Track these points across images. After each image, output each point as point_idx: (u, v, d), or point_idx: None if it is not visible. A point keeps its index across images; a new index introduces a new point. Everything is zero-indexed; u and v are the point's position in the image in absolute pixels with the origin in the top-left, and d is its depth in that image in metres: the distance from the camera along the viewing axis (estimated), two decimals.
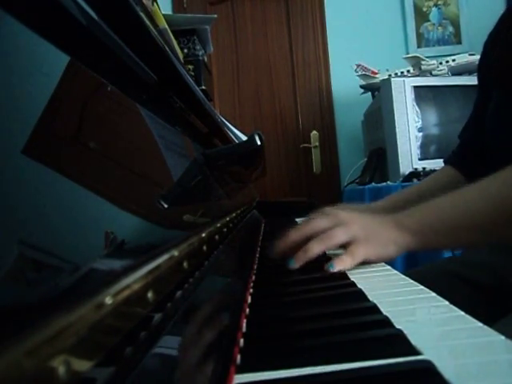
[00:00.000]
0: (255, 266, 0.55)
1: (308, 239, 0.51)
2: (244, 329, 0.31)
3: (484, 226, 0.52)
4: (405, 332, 0.27)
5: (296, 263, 0.50)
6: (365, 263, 0.51)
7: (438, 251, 1.48)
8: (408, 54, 2.47)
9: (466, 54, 2.15)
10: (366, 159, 2.29)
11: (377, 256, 0.51)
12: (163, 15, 1.24)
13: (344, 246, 0.51)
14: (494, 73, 0.73)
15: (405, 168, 1.88)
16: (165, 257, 0.25)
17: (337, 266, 0.48)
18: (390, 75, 2.18)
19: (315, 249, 0.50)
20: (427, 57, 2.20)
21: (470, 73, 2.07)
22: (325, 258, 0.53)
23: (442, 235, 0.54)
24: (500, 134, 0.71)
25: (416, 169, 1.86)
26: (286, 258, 0.54)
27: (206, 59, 1.79)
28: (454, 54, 2.21)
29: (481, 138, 0.77)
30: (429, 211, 0.55)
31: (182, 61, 1.47)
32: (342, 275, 0.47)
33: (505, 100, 0.70)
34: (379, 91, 2.11)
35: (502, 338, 0.26)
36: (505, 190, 0.51)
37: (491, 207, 0.51)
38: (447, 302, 0.35)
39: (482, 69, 0.82)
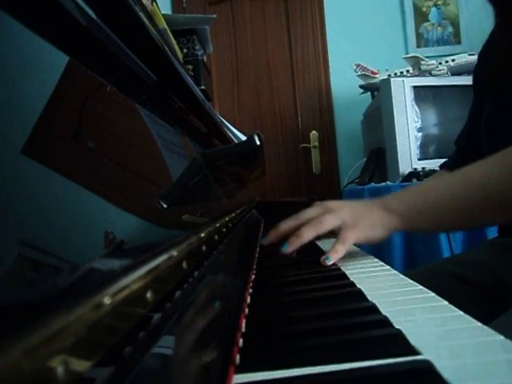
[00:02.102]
0: (254, 266, 0.56)
1: (299, 227, 0.54)
2: (243, 329, 0.31)
3: (466, 210, 0.54)
4: (404, 332, 0.27)
5: (289, 248, 0.53)
6: (363, 262, 0.52)
7: (438, 252, 1.48)
8: (407, 54, 2.47)
9: (466, 54, 2.15)
10: (365, 159, 2.29)
11: (366, 238, 0.54)
12: (162, 15, 1.24)
13: (335, 234, 0.54)
14: (487, 82, 0.75)
15: (404, 168, 1.88)
16: (164, 257, 0.25)
17: (332, 257, 0.51)
18: (389, 75, 2.18)
19: (306, 234, 0.53)
20: (427, 57, 2.20)
21: (469, 73, 2.07)
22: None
23: (427, 217, 0.55)
24: (493, 140, 0.73)
25: (415, 169, 1.86)
26: (284, 258, 0.54)
27: (205, 59, 1.79)
28: (453, 54, 2.21)
29: (476, 145, 0.79)
30: (415, 194, 0.57)
31: (182, 61, 1.47)
32: (342, 275, 0.48)
33: (497, 108, 0.73)
34: (379, 91, 2.11)
35: (502, 337, 0.26)
36: (485, 180, 0.53)
37: (472, 194, 0.53)
38: (446, 302, 0.35)
39: (476, 78, 0.84)
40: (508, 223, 0.77)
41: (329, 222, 0.53)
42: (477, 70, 0.84)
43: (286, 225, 0.56)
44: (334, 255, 0.51)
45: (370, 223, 0.54)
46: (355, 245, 0.74)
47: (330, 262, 0.51)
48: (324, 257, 0.51)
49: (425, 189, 0.58)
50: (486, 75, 0.76)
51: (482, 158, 0.77)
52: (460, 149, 0.90)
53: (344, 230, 0.53)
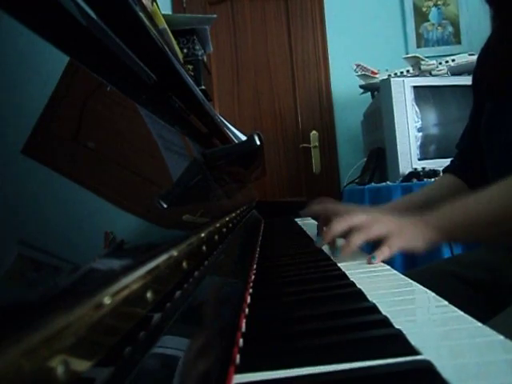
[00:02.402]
0: (254, 266, 0.56)
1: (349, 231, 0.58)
2: (243, 329, 0.31)
3: (502, 224, 0.58)
4: (404, 332, 0.27)
5: (343, 254, 0.57)
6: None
7: (438, 252, 1.48)
8: (407, 54, 2.47)
9: (466, 54, 2.15)
10: (365, 159, 2.29)
11: (408, 248, 0.58)
12: (163, 15, 1.25)
13: (375, 243, 0.58)
14: (486, 84, 0.76)
15: (404, 168, 1.88)
16: (164, 257, 0.25)
17: (378, 257, 0.56)
18: (389, 75, 2.18)
19: (357, 240, 0.57)
20: (427, 57, 2.20)
21: (469, 73, 2.07)
22: (324, 259, 0.53)
23: (464, 231, 0.61)
24: (493, 139, 0.74)
25: (415, 169, 1.86)
26: (284, 258, 0.54)
27: (205, 59, 1.79)
28: (453, 54, 2.21)
29: (477, 147, 0.80)
30: (454, 210, 0.62)
31: (182, 61, 1.47)
32: (342, 275, 0.48)
33: (496, 110, 0.73)
34: (379, 91, 2.11)
35: (501, 337, 0.26)
36: None
37: (507, 208, 0.57)
38: (446, 302, 0.35)
39: (476, 81, 0.85)
40: None
41: (377, 230, 0.57)
42: (476, 73, 0.85)
43: (338, 227, 0.59)
44: (380, 256, 0.56)
45: (414, 235, 0.58)
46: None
47: (376, 262, 0.55)
48: (371, 256, 0.56)
49: (463, 204, 0.62)
50: (485, 78, 0.77)
51: (483, 160, 0.78)
52: (462, 152, 0.90)
53: (391, 238, 0.57)
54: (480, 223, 0.59)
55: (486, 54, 0.79)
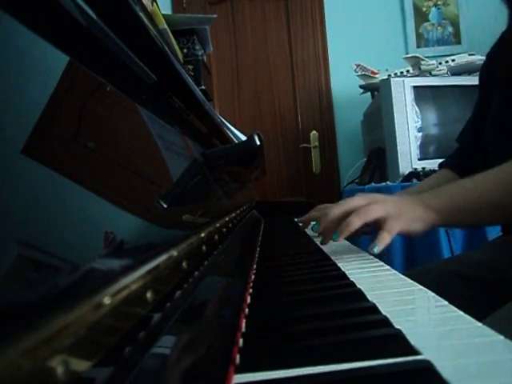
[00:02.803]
0: (254, 266, 0.56)
1: (347, 215, 0.57)
2: (243, 329, 0.31)
3: (503, 206, 0.58)
4: (404, 332, 0.27)
5: (340, 236, 0.56)
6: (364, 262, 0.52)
7: (439, 252, 1.48)
8: (407, 54, 2.47)
9: (466, 54, 2.15)
10: (365, 159, 2.29)
11: (407, 230, 0.57)
12: (163, 15, 1.24)
13: (375, 225, 0.57)
14: (497, 77, 0.76)
15: (404, 168, 1.88)
16: (164, 257, 0.25)
17: (379, 245, 0.54)
18: (389, 75, 2.18)
19: (355, 222, 0.55)
20: (427, 57, 2.20)
21: (469, 73, 2.07)
22: (324, 259, 0.53)
23: (465, 213, 0.60)
24: (500, 136, 0.74)
25: (415, 169, 1.86)
26: (284, 258, 0.54)
27: (205, 59, 1.79)
28: (453, 54, 2.21)
29: (480, 142, 0.80)
30: (453, 191, 0.61)
31: (182, 61, 1.47)
32: (342, 275, 0.47)
33: (506, 104, 0.73)
34: (379, 91, 2.11)
35: (501, 337, 0.26)
36: None
37: (509, 190, 0.57)
38: (446, 302, 0.35)
39: (483, 77, 0.85)
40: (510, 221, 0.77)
41: (375, 212, 0.56)
42: (484, 70, 0.85)
43: (335, 213, 0.58)
44: (381, 243, 0.54)
45: (413, 217, 0.57)
46: (354, 244, 0.74)
47: (378, 251, 0.54)
48: (371, 245, 0.54)
49: (462, 186, 0.61)
50: (495, 74, 0.77)
51: (484, 156, 0.78)
52: (462, 146, 0.90)
53: (389, 221, 0.55)
54: (482, 205, 0.58)
55: (498, 50, 0.79)
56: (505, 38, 0.78)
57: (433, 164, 1.80)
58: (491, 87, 0.79)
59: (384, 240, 0.54)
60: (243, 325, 0.32)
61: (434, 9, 2.73)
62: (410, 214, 0.57)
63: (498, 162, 0.74)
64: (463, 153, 0.88)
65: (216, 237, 0.45)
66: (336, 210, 0.59)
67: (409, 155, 1.90)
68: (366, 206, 0.56)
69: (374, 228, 0.58)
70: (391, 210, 0.56)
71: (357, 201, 0.59)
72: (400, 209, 0.57)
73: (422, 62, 2.14)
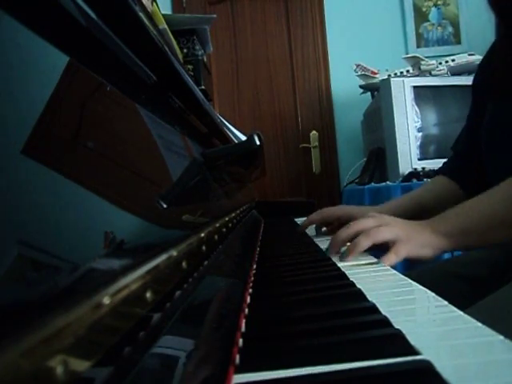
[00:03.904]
0: (254, 267, 0.55)
1: (356, 236, 0.58)
2: (243, 329, 0.31)
3: (509, 224, 0.58)
4: (404, 332, 0.27)
5: (349, 256, 0.56)
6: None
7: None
8: (407, 54, 2.47)
9: (466, 54, 2.15)
10: (365, 159, 2.29)
11: (416, 255, 0.57)
12: (163, 15, 1.25)
13: (381, 246, 0.57)
14: (490, 87, 0.76)
15: (404, 168, 1.88)
16: (164, 257, 0.25)
17: (384, 263, 0.54)
18: (389, 75, 2.18)
19: (363, 242, 0.56)
20: (427, 57, 2.20)
21: (469, 73, 2.07)
22: (324, 259, 0.53)
23: (472, 236, 0.60)
24: (495, 146, 0.74)
25: (415, 169, 1.86)
26: (284, 258, 0.54)
27: (205, 59, 1.79)
28: (453, 54, 2.21)
29: (475, 150, 0.80)
30: (459, 215, 0.61)
31: (182, 61, 1.47)
32: (342, 275, 0.47)
33: (499, 111, 0.74)
34: (379, 91, 2.11)
35: (501, 337, 0.26)
36: None
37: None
38: (446, 302, 0.35)
39: (476, 86, 0.86)
40: None
41: (385, 234, 0.56)
42: (477, 79, 0.85)
43: (345, 234, 0.59)
44: (386, 261, 0.54)
45: (422, 242, 0.58)
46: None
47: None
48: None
49: (468, 208, 0.62)
50: (488, 84, 0.77)
51: (480, 163, 0.78)
52: (458, 154, 0.90)
53: (398, 244, 0.56)
54: (490, 224, 0.59)
55: (490, 58, 0.80)
56: (495, 48, 0.79)
57: (433, 164, 1.80)
58: (484, 97, 0.79)
59: (390, 260, 0.55)
60: (243, 325, 0.32)
61: (433, 9, 2.73)
62: (419, 239, 0.58)
63: (493, 171, 0.75)
64: (459, 161, 0.89)
65: (216, 237, 0.45)
66: (346, 231, 0.59)
67: (409, 155, 1.90)
68: (376, 228, 0.57)
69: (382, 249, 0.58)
70: (401, 234, 0.57)
71: (367, 222, 0.59)
72: (409, 233, 0.57)
73: (422, 62, 2.14)
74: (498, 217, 0.58)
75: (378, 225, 0.58)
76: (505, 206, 0.58)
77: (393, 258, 0.55)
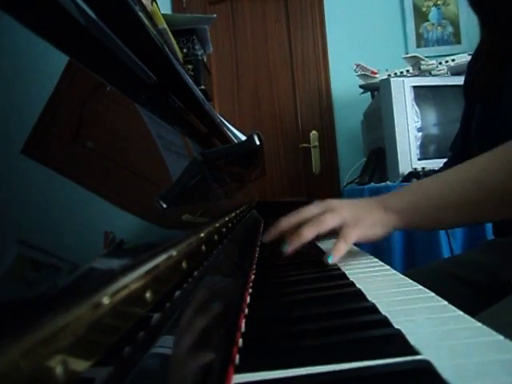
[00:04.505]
0: (254, 266, 0.56)
1: (300, 226, 0.54)
2: (243, 329, 0.31)
3: (464, 207, 0.54)
4: (403, 332, 0.27)
5: (290, 247, 0.53)
6: (362, 261, 0.52)
7: (438, 252, 1.48)
8: (407, 53, 2.47)
9: (466, 54, 2.15)
10: (365, 159, 2.29)
11: (366, 237, 0.54)
12: (162, 15, 1.24)
13: (335, 233, 0.54)
14: (476, 87, 0.77)
15: (404, 168, 1.88)
16: (163, 257, 0.25)
17: (335, 255, 0.51)
18: (389, 75, 2.18)
19: (307, 233, 0.53)
20: (426, 57, 2.20)
21: None
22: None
23: (427, 215, 0.56)
24: (484, 143, 0.75)
25: (415, 169, 1.86)
26: (284, 258, 0.54)
27: (205, 59, 1.79)
28: (453, 54, 2.21)
29: (469, 151, 0.80)
30: (413, 192, 0.58)
31: (182, 61, 1.47)
32: (342, 275, 0.48)
33: (486, 112, 0.74)
34: (379, 91, 2.11)
35: (501, 337, 0.26)
36: (484, 175, 0.53)
37: (470, 189, 0.53)
38: (446, 302, 0.35)
39: (466, 86, 0.86)
40: (501, 223, 0.78)
41: (330, 221, 0.53)
42: (467, 79, 0.86)
43: (286, 222, 0.56)
44: (336, 254, 0.51)
45: (371, 222, 0.54)
46: (355, 244, 0.74)
47: (333, 261, 0.51)
48: (326, 256, 0.51)
49: (423, 187, 0.58)
50: (475, 83, 0.78)
51: None
52: (455, 154, 0.91)
53: (345, 229, 0.53)
54: (446, 205, 0.54)
55: (476, 60, 0.81)
56: (480, 49, 0.79)
57: (433, 164, 1.80)
58: (473, 97, 0.79)
59: (339, 250, 0.51)
60: (243, 325, 0.32)
61: (433, 9, 2.73)
62: (368, 220, 0.54)
63: None
64: (456, 161, 0.89)
65: (216, 237, 0.45)
66: (289, 219, 0.56)
67: (409, 155, 1.90)
68: (320, 216, 0.54)
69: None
70: (347, 218, 0.54)
71: (311, 209, 0.56)
72: (357, 215, 0.54)
73: (422, 62, 2.14)
74: (455, 197, 0.54)
75: (323, 211, 0.55)
76: (463, 186, 0.54)
77: (342, 245, 0.52)
